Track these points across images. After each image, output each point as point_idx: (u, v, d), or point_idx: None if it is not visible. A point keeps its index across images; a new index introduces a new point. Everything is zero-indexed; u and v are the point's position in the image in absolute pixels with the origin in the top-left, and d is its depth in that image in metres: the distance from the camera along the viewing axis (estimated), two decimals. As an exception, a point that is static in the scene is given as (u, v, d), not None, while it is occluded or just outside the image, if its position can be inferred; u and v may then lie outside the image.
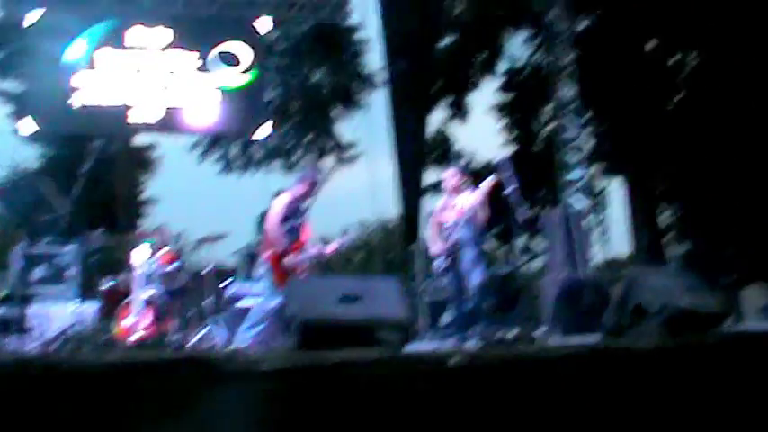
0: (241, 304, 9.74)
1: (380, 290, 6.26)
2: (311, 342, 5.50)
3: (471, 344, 7.78)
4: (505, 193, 8.15)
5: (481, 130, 25.15)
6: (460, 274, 8.58)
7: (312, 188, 8.49)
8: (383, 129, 19.49)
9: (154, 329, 9.13)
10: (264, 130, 13.55)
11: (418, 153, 19.97)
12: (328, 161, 22.07)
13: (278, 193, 8.40)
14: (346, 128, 22.48)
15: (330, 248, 8.50)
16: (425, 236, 10.59)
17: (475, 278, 8.39)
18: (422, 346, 8.14)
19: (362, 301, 5.95)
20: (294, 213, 8.22)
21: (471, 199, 8.54)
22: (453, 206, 8.70)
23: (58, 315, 9.66)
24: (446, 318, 9.89)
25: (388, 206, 22.91)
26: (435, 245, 8.79)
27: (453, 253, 8.52)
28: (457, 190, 8.82)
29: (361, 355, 4.26)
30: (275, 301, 7.84)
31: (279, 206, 8.16)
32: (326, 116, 21.45)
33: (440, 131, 23.51)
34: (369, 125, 27.47)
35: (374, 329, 5.76)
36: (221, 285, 10.32)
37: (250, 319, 8.14)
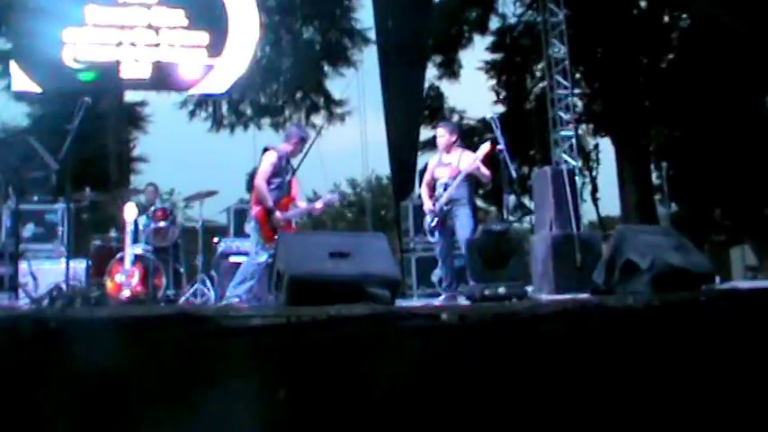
0: (232, 260, 9.70)
1: (370, 246, 6.27)
2: (301, 298, 5.45)
3: (461, 300, 7.77)
4: (496, 150, 8.06)
5: (473, 87, 24.60)
6: (452, 231, 8.52)
7: (300, 145, 8.39)
8: (377, 86, 19.07)
9: (145, 286, 9.09)
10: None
11: (413, 109, 19.43)
12: (319, 118, 21.73)
13: (265, 150, 8.30)
14: (338, 85, 22.26)
15: (319, 205, 8.41)
16: (418, 193, 10.50)
17: (465, 235, 8.32)
18: (411, 302, 8.07)
19: (352, 258, 5.97)
20: (282, 170, 8.13)
21: (468, 159, 8.45)
22: (448, 164, 8.62)
23: (49, 272, 9.57)
24: (436, 274, 9.87)
25: (383, 164, 22.88)
26: (427, 202, 8.71)
27: (445, 211, 8.44)
28: (449, 147, 8.75)
29: (351, 310, 4.24)
30: (264, 257, 7.81)
31: (266, 163, 8.08)
32: (318, 73, 21.15)
33: (433, 87, 23.50)
34: (362, 82, 27.05)
35: (363, 286, 5.73)
36: (213, 242, 10.26)
37: (240, 276, 8.08)
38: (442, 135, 8.97)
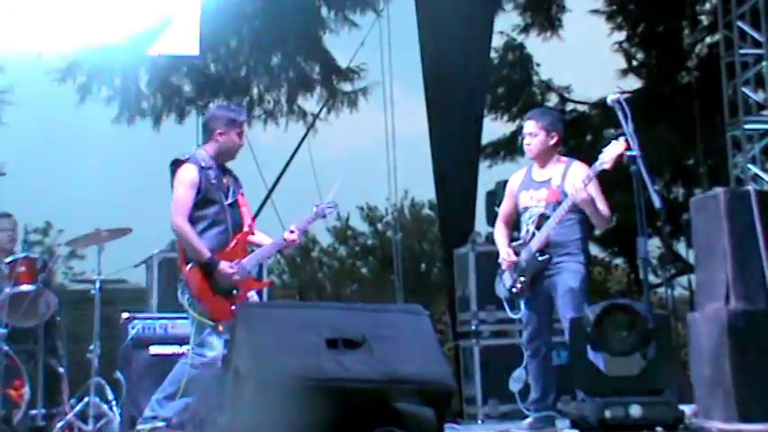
0: (155, 351, 7.27)
1: (400, 327, 5.02)
2: (277, 419, 4.36)
3: (562, 429, 5.98)
4: (625, 158, 5.68)
5: (585, 47, 19.50)
6: (548, 302, 6.11)
7: (233, 133, 6.07)
8: (410, 47, 12.68)
9: None
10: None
11: (473, 85, 12.39)
12: (311, 101, 14.89)
13: (176, 165, 5.98)
14: (346, 44, 14.38)
15: (293, 234, 6.13)
16: (488, 232, 7.85)
17: (571, 310, 5.93)
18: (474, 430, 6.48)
19: (368, 348, 4.74)
20: (214, 190, 5.93)
21: (580, 174, 6.05)
22: (543, 182, 6.23)
23: None
24: (518, 379, 7.48)
25: (422, 181, 16.74)
26: (504, 249, 6.25)
27: (538, 264, 6.01)
28: (545, 154, 6.28)
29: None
30: (212, 352, 5.72)
31: (183, 187, 5.84)
32: (311, 21, 14.43)
33: (513, 44, 15.69)
34: (387, 38, 13.69)
35: (388, 398, 4.51)
36: (120, 319, 7.68)
37: (169, 384, 5.94)
38: (534, 132, 6.43)
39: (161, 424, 5.67)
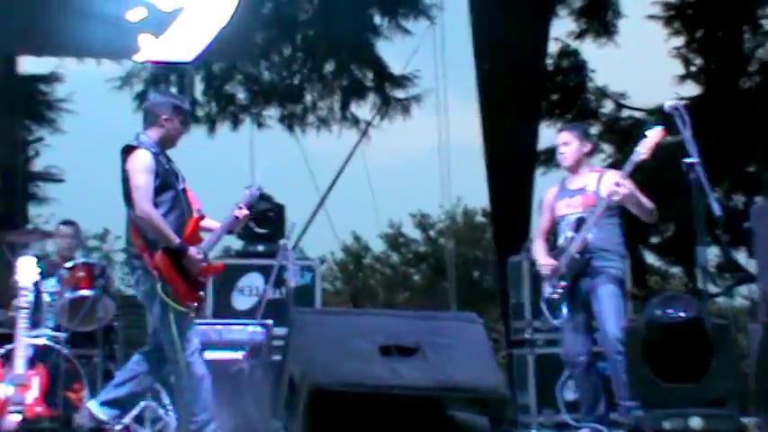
0: (210, 356, 7.18)
1: (454, 335, 4.98)
2: (331, 426, 4.45)
3: None
4: (685, 167, 5.50)
5: (641, 52, 18.77)
6: (587, 306, 5.91)
7: (176, 121, 5.84)
8: (464, 54, 12.49)
9: (51, 404, 6.60)
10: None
11: (528, 92, 12.72)
12: (364, 108, 14.52)
13: (129, 151, 5.83)
14: (400, 51, 14.39)
15: (243, 211, 5.89)
16: (534, 251, 7.71)
17: (613, 319, 5.73)
18: None
19: (422, 356, 4.74)
20: (168, 175, 5.69)
21: (616, 176, 5.88)
22: (578, 190, 6.04)
23: None
24: (565, 388, 7.33)
25: (476, 189, 16.20)
26: (542, 257, 6.10)
27: (578, 266, 5.83)
28: (578, 163, 6.15)
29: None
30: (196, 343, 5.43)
31: (141, 171, 5.55)
32: (364, 28, 14.26)
33: (567, 50, 16.28)
34: (441, 44, 13.52)
35: (442, 405, 4.56)
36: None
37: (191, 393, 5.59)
38: (568, 141, 6.27)
39: (214, 426, 5.54)
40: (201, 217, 5.66)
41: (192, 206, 5.66)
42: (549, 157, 13.06)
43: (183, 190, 5.65)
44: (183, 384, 5.40)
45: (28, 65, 13.33)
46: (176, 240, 5.38)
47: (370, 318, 5.71)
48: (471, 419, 4.54)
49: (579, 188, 5.90)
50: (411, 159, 32.60)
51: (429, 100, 13.71)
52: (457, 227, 24.71)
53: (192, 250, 5.42)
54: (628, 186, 5.62)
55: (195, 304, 5.52)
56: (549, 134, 14.20)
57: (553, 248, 6.13)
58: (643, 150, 5.48)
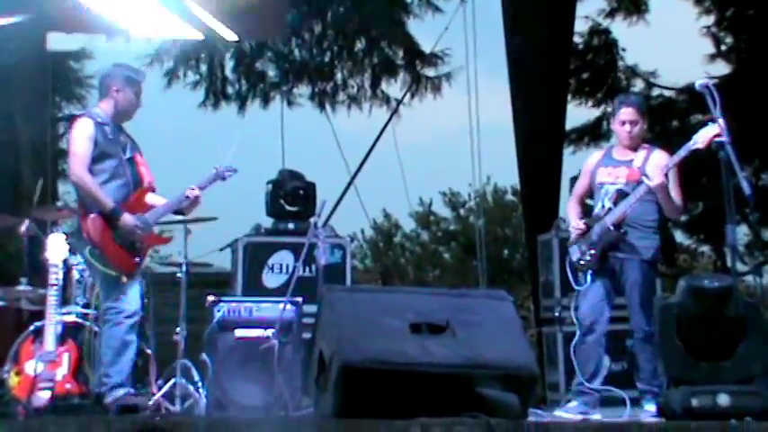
0: (240, 334, 7.18)
1: (483, 313, 4.99)
2: (361, 402, 4.43)
3: (648, 416, 5.54)
4: (713, 144, 5.39)
5: (671, 30, 18.16)
6: (613, 279, 5.85)
7: (129, 92, 5.85)
8: (494, 32, 12.12)
9: (81, 381, 6.59)
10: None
11: (558, 69, 12.45)
12: (395, 86, 14.28)
13: (71, 120, 5.92)
14: (431, 28, 14.17)
15: (194, 191, 5.89)
16: (567, 212, 7.49)
17: (640, 293, 5.66)
18: (559, 414, 5.96)
19: (451, 333, 4.77)
20: (112, 145, 5.74)
21: (661, 160, 5.78)
22: (624, 162, 5.93)
23: None
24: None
25: (506, 168, 15.74)
26: (575, 220, 5.99)
27: (611, 237, 5.74)
28: (636, 140, 6.04)
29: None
30: (128, 305, 5.56)
31: (80, 138, 5.66)
32: (394, 5, 13.82)
33: (597, 29, 16.00)
34: (472, 22, 13.23)
35: (472, 383, 4.58)
36: (206, 302, 7.54)
37: (106, 353, 5.75)
38: (635, 120, 6.11)
39: (123, 391, 5.57)
40: (148, 189, 5.75)
41: (142, 177, 5.75)
42: (579, 136, 12.94)
43: (131, 159, 5.70)
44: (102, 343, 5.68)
45: (57, 42, 13.43)
46: (110, 204, 5.46)
47: (400, 295, 5.79)
48: (501, 396, 4.54)
49: (626, 160, 5.77)
50: (441, 137, 32.21)
51: (460, 78, 13.42)
52: (487, 205, 24.55)
53: (126, 215, 5.48)
54: (663, 178, 5.55)
55: (129, 269, 5.60)
56: (578, 112, 14.11)
57: (588, 214, 6.04)
58: (699, 140, 5.39)
